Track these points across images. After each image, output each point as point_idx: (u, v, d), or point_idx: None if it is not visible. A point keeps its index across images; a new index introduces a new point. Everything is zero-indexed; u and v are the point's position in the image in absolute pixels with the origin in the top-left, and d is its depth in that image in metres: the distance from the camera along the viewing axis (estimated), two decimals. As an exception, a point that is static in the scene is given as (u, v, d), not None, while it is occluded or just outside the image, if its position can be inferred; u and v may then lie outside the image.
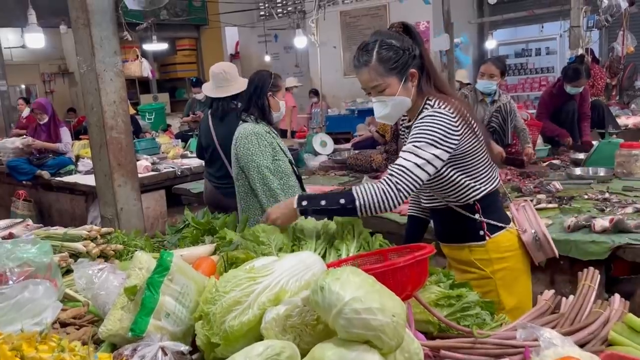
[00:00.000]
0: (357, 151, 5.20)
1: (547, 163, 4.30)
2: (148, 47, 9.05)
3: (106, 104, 2.10)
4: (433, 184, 1.84)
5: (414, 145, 1.69)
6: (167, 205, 5.66)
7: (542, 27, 10.41)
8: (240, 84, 3.54)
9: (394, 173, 1.68)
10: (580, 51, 5.92)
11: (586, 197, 3.27)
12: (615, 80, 7.86)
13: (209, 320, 1.06)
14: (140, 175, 5.37)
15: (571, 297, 1.54)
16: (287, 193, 2.94)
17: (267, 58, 11.09)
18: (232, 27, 11.66)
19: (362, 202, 1.63)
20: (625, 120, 6.31)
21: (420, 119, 1.75)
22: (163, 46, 9.33)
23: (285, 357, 0.94)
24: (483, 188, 1.84)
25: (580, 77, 4.54)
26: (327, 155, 5.39)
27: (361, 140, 6.01)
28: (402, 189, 1.65)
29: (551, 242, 1.97)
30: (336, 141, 7.10)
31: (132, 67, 7.79)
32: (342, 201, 1.65)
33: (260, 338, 1.03)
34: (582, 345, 1.27)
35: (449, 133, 1.70)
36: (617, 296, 1.47)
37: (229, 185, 3.58)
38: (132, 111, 6.97)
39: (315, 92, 9.14)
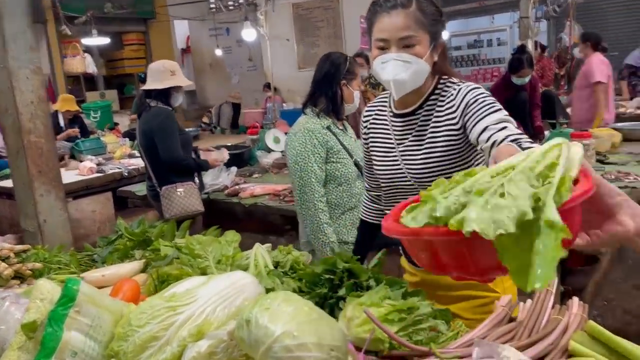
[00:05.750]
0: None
1: (500, 154, 4.28)
2: (88, 41, 8.60)
3: (22, 105, 1.89)
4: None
5: (505, 115, 1.42)
6: (117, 207, 5.39)
7: (493, 18, 10.54)
8: (156, 81, 3.42)
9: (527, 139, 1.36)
10: (530, 43, 5.97)
11: (540, 188, 3.25)
12: (563, 71, 8.01)
13: (120, 361, 0.91)
14: (84, 177, 5.19)
15: (529, 301, 1.46)
16: (343, 203, 2.51)
17: (219, 52, 10.81)
18: (182, 20, 11.31)
19: None
20: (575, 109, 6.41)
21: (476, 95, 1.48)
22: (104, 40, 8.90)
23: (206, 406, 0.80)
24: None
25: (522, 67, 4.57)
26: (281, 152, 5.23)
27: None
28: None
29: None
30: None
31: (74, 63, 7.40)
32: None
33: (180, 380, 0.89)
34: (541, 358, 1.18)
35: None
36: (575, 300, 1.39)
37: (151, 188, 3.61)
38: (75, 107, 6.63)
39: (269, 86, 8.95)
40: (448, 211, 0.71)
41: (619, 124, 4.96)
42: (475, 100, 1.48)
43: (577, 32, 7.86)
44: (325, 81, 2.53)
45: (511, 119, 1.42)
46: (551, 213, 0.65)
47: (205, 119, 10.54)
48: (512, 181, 0.70)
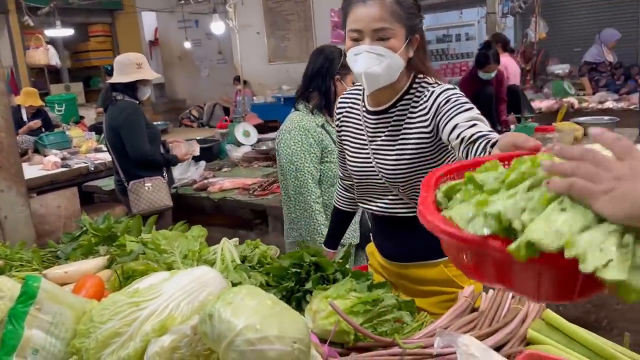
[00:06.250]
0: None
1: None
2: (52, 32, 8.33)
3: (-20, 98, 1.84)
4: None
5: (477, 113, 1.41)
6: (84, 202, 5.28)
7: (462, 13, 10.66)
8: (122, 74, 3.35)
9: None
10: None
11: (504, 182, 3.33)
12: (529, 66, 8.17)
13: (82, 357, 0.90)
14: (49, 172, 5.06)
15: (490, 291, 1.50)
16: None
17: (188, 44, 10.67)
18: (150, 12, 11.11)
19: None
20: (539, 104, 6.57)
21: (448, 96, 1.48)
22: (69, 32, 8.65)
23: (169, 400, 0.80)
24: None
25: (488, 62, 4.68)
26: (251, 145, 5.22)
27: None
28: None
29: None
30: (265, 130, 6.91)
31: (37, 55, 7.19)
32: None
33: (143, 375, 0.89)
34: (501, 347, 1.22)
35: None
36: (534, 290, 1.44)
37: (118, 182, 3.53)
38: (39, 103, 6.46)
39: (239, 79, 8.88)
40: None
41: (582, 118, 5.11)
42: (448, 101, 1.47)
43: (543, 28, 8.03)
44: (319, 76, 2.42)
45: (483, 117, 1.42)
46: None
47: (194, 112, 10.35)
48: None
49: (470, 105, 1.46)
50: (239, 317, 0.81)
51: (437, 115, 1.49)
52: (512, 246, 0.60)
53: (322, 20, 9.55)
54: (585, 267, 0.58)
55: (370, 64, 1.46)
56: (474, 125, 1.34)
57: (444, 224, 0.67)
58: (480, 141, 1.25)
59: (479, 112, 1.44)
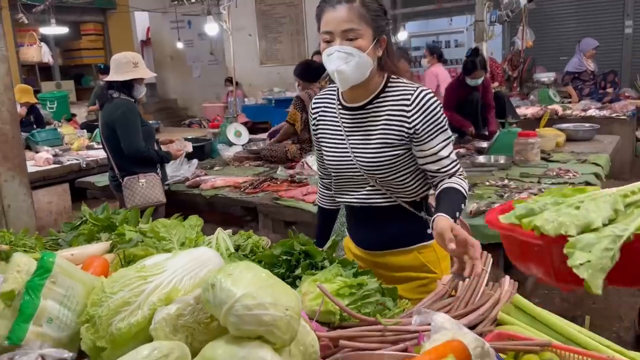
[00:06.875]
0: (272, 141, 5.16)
1: (453, 151, 4.49)
2: (46, 30, 8.37)
3: (-12, 92, 1.92)
4: (399, 176, 1.74)
5: (447, 138, 1.71)
6: (75, 199, 5.34)
7: (451, 20, 10.84)
8: (118, 73, 3.43)
9: (461, 167, 1.75)
10: (485, 45, 6.22)
11: (487, 184, 3.46)
12: (516, 73, 8.35)
13: (94, 324, 1.00)
14: (40, 169, 5.13)
15: (467, 280, 1.62)
16: None
17: (180, 45, 10.74)
18: (142, 12, 11.16)
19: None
20: (525, 110, 6.74)
21: (433, 109, 1.66)
22: (63, 30, 8.69)
23: (175, 358, 0.90)
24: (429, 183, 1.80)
25: (476, 69, 4.80)
26: (242, 145, 5.31)
27: (277, 129, 5.97)
28: None
29: (467, 225, 1.99)
30: (253, 131, 7.02)
31: (30, 52, 7.24)
32: (463, 206, 1.67)
33: (150, 340, 0.99)
34: (473, 327, 1.33)
35: None
36: (506, 278, 1.56)
37: (113, 178, 3.57)
38: (34, 100, 6.51)
39: (230, 80, 8.97)
40: (527, 211, 1.01)
41: (564, 125, 5.27)
42: (434, 116, 1.66)
43: (530, 36, 8.22)
44: None
45: (452, 138, 1.74)
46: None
47: (204, 123, 10.44)
48: (595, 200, 0.93)
49: (445, 121, 1.70)
50: (238, 286, 0.91)
51: (421, 125, 1.67)
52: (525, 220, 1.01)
53: (314, 24, 9.52)
54: (571, 263, 0.92)
55: (340, 62, 1.59)
56: (449, 155, 1.70)
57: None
58: (446, 182, 1.70)
59: (450, 134, 1.72)
